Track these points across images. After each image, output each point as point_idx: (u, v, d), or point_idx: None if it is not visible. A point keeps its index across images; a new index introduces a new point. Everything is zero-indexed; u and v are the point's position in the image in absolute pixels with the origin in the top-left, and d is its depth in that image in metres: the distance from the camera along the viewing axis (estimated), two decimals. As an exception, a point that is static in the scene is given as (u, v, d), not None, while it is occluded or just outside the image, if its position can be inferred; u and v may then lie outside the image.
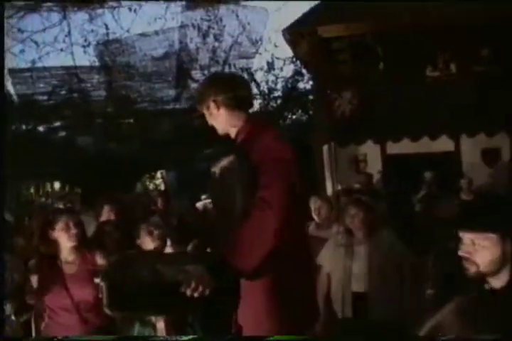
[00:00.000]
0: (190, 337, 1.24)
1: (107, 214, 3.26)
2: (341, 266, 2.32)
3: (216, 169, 1.65)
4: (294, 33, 6.68)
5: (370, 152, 6.83)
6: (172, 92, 7.77)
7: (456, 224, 1.18)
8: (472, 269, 1.10)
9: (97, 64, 6.97)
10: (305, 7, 6.74)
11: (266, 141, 1.51)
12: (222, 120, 1.61)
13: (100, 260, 2.51)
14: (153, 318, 2.04)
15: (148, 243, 2.42)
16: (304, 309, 1.49)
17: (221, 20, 7.03)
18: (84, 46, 6.37)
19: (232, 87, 1.60)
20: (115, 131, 7.88)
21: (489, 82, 6.38)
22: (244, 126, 1.60)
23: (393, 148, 6.70)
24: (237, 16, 7.02)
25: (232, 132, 1.64)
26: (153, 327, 2.05)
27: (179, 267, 1.46)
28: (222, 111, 1.60)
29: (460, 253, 1.13)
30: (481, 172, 6.27)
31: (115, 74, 7.02)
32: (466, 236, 1.12)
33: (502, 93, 6.18)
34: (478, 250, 1.10)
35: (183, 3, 6.28)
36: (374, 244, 2.35)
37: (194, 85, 8.10)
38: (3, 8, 2.15)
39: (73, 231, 2.49)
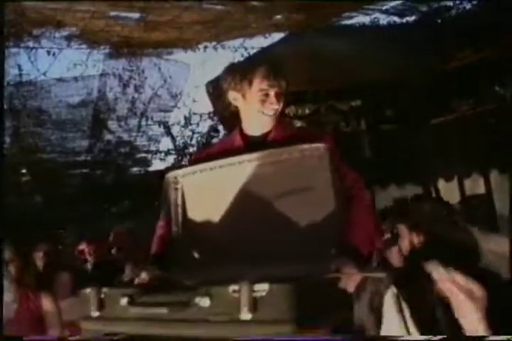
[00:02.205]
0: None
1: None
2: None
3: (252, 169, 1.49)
4: (217, 88, 6.85)
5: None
6: (85, 143, 7.33)
7: None
8: None
9: (4, 107, 6.38)
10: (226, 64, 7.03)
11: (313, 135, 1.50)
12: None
13: (48, 304, 2.12)
14: None
15: None
16: None
17: (143, 71, 7.00)
18: (-10, 85, 5.83)
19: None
20: (15, 184, 7.09)
21: (394, 138, 7.07)
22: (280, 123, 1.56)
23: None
24: (160, 69, 7.05)
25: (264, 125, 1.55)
26: None
27: None
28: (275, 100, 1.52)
29: None
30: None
31: (24, 119, 6.47)
32: None
33: (406, 147, 6.86)
34: None
35: (106, 51, 6.15)
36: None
37: (109, 137, 7.78)
38: (3, 8, 1.93)
39: None
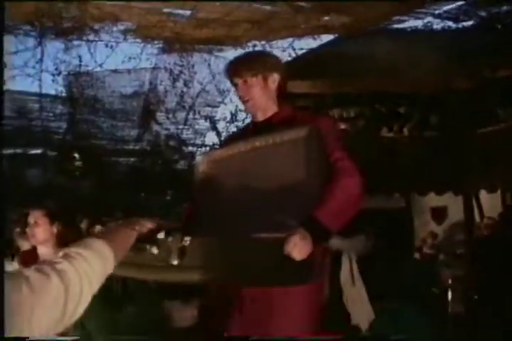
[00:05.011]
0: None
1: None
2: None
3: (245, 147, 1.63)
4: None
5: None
6: (134, 132, 7.71)
7: None
8: None
9: (63, 94, 6.88)
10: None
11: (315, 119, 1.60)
12: (269, 95, 1.65)
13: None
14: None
15: None
16: None
17: (193, 66, 7.27)
18: (53, 74, 6.32)
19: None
20: (68, 167, 7.57)
21: (437, 145, 6.94)
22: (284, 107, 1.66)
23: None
24: (209, 65, 7.29)
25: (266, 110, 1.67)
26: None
27: None
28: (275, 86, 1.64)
29: None
30: (430, 228, 6.61)
31: (80, 106, 6.92)
32: None
33: (449, 156, 6.72)
34: None
35: (159, 46, 6.45)
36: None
37: (157, 128, 8.13)
38: (3, 8, 2.14)
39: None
